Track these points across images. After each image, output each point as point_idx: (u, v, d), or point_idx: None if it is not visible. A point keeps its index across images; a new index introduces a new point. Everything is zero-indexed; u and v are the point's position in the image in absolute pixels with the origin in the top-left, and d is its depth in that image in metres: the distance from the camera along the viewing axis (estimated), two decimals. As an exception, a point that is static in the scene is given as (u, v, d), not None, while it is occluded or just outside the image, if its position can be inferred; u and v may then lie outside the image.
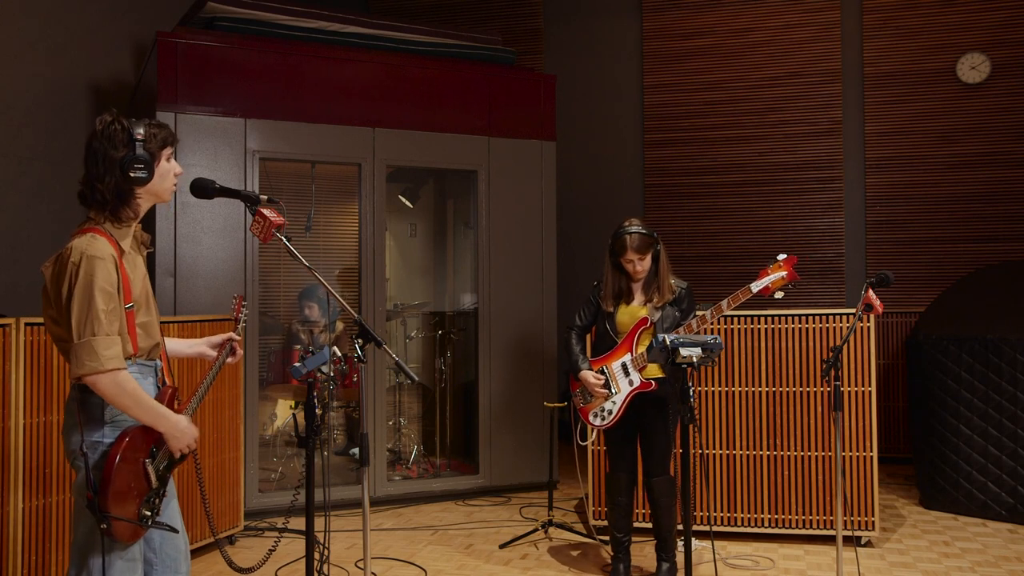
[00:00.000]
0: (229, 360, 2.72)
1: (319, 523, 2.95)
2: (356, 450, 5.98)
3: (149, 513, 2.35)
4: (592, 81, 7.91)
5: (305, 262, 2.61)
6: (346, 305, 2.74)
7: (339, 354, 2.95)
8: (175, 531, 2.46)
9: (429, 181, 6.72)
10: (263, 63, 5.21)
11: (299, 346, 5.71)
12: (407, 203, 6.67)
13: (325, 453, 5.38)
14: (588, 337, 4.14)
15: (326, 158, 5.46)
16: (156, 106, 4.89)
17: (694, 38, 7.62)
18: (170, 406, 2.42)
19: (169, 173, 2.41)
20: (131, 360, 2.31)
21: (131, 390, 2.24)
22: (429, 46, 5.87)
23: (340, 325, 5.91)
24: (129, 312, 2.30)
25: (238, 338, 2.73)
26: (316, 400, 2.76)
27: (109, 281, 2.23)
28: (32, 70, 5.41)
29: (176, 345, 2.74)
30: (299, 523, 4.73)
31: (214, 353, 2.71)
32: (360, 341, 2.69)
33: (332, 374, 2.80)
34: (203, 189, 2.60)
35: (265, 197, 2.60)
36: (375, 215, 5.43)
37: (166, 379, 2.49)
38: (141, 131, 2.32)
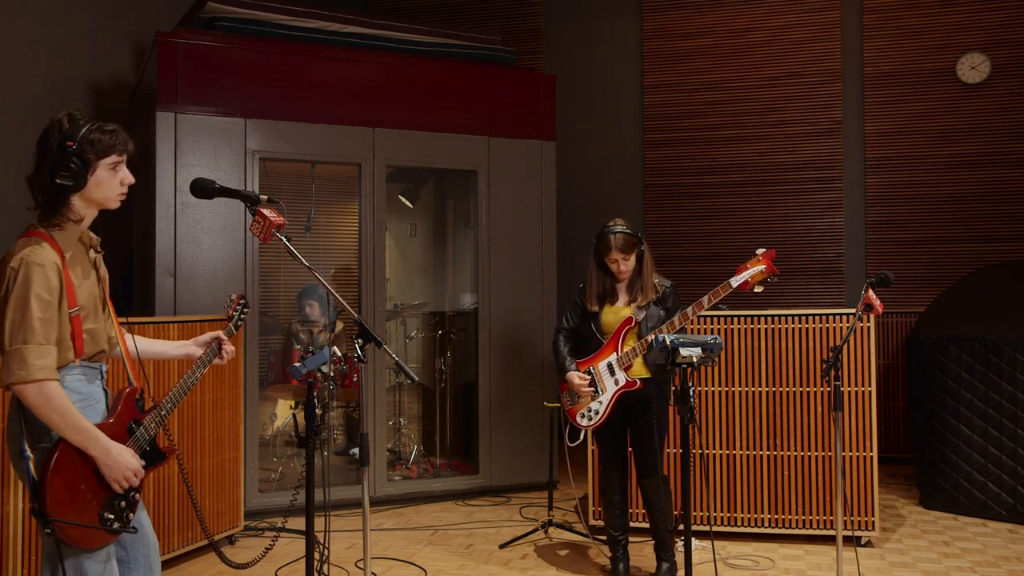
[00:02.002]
0: (216, 361, 2.63)
1: (319, 523, 2.95)
2: (356, 450, 5.98)
3: (112, 517, 2.25)
4: (592, 81, 7.91)
5: (305, 262, 2.60)
6: (346, 305, 2.74)
7: (339, 354, 2.91)
8: (134, 531, 2.34)
9: (429, 181, 6.72)
10: (263, 63, 5.21)
11: (299, 346, 5.71)
12: (407, 203, 6.67)
13: (325, 453, 5.38)
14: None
15: (326, 158, 5.46)
16: (156, 106, 4.89)
17: (694, 38, 7.62)
18: (127, 407, 2.34)
19: (111, 182, 2.29)
20: (74, 363, 2.24)
21: (59, 404, 2.13)
22: (429, 46, 5.87)
23: (340, 324, 5.91)
24: (75, 317, 2.22)
25: (225, 337, 2.66)
26: (316, 400, 2.76)
27: (48, 288, 2.15)
28: (32, 70, 5.41)
29: (160, 347, 2.68)
30: (299, 523, 4.74)
31: (201, 352, 2.64)
32: (360, 341, 2.68)
33: (332, 374, 2.78)
34: (203, 189, 2.60)
35: (265, 197, 2.59)
36: (375, 215, 5.43)
37: (133, 381, 2.41)
38: (77, 133, 2.22)
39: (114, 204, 2.35)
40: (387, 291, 5.84)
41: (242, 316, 2.78)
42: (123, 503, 2.28)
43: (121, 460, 2.22)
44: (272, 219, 2.55)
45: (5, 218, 5.13)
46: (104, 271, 2.44)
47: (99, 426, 2.25)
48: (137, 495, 2.33)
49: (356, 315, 2.73)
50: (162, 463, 2.44)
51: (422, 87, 5.64)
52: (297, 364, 2.76)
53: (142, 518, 2.43)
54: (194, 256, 4.95)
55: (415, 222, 6.89)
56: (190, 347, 2.65)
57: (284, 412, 5.88)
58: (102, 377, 2.38)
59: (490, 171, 5.75)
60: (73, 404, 2.17)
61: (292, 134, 5.24)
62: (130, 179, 2.36)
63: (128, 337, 2.55)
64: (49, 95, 5.53)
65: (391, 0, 8.28)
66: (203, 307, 4.88)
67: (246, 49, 5.19)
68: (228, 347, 2.66)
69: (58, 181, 2.22)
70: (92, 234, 2.40)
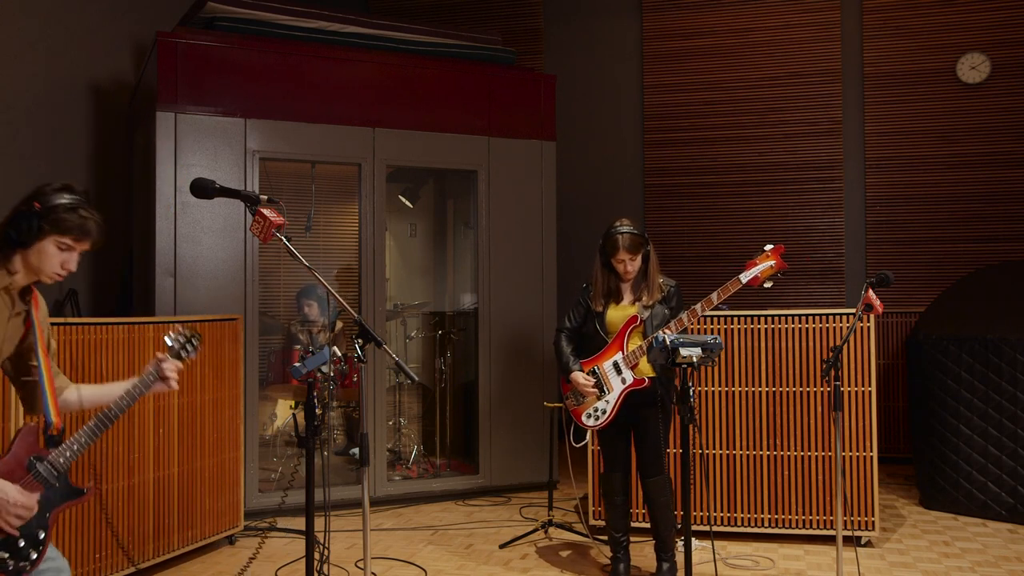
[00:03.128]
0: (163, 385, 2.42)
1: (319, 523, 2.95)
2: (356, 450, 5.98)
3: (7, 555, 2.14)
4: (592, 81, 7.91)
5: (305, 262, 2.60)
6: (346, 305, 2.74)
7: (339, 354, 2.87)
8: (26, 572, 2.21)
9: (429, 181, 6.73)
10: (263, 63, 5.21)
11: (299, 346, 5.72)
12: (407, 203, 6.67)
13: (325, 453, 5.38)
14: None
15: (326, 158, 5.46)
16: (156, 106, 4.89)
17: (694, 38, 7.62)
18: (25, 444, 2.24)
19: (54, 260, 2.26)
20: None
21: None
22: (429, 46, 5.87)
23: (339, 324, 5.91)
24: None
25: (167, 357, 2.44)
26: (316, 400, 2.75)
27: None
28: (32, 70, 5.41)
29: (108, 391, 2.47)
30: (299, 523, 4.73)
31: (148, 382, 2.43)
32: (360, 341, 2.68)
33: (332, 374, 2.77)
34: (203, 189, 2.60)
35: (265, 197, 2.59)
36: (375, 215, 5.43)
37: (52, 416, 2.31)
38: (53, 202, 2.22)
39: (47, 280, 2.30)
40: (387, 291, 5.84)
41: (187, 349, 2.48)
42: (22, 542, 2.19)
43: (3, 498, 2.12)
44: (272, 219, 2.54)
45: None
46: (42, 322, 2.37)
47: None
48: (42, 533, 2.23)
49: (356, 315, 2.73)
50: (77, 500, 2.33)
51: (422, 87, 5.64)
52: (297, 364, 2.75)
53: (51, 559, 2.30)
54: (194, 256, 4.95)
55: (415, 222, 6.89)
56: (134, 381, 2.45)
57: (284, 412, 5.88)
58: None
59: (490, 171, 5.75)
60: None
61: (292, 134, 5.24)
62: (72, 267, 2.30)
63: (72, 390, 2.47)
64: (49, 95, 5.53)
65: (391, 0, 8.29)
66: (203, 307, 4.88)
67: (246, 49, 5.19)
68: (168, 364, 2.42)
69: (7, 229, 2.22)
70: (31, 289, 2.36)
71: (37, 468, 2.26)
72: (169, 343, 2.47)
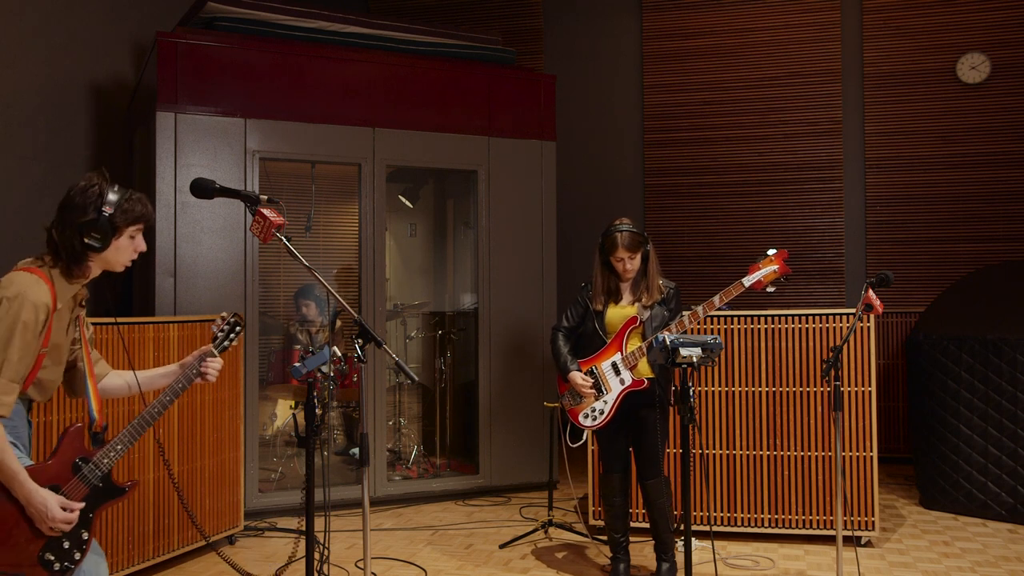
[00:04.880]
0: (203, 379, 2.52)
1: (319, 523, 2.94)
2: (356, 450, 5.98)
3: (53, 558, 2.21)
4: (592, 81, 7.91)
5: (305, 262, 2.60)
6: (346, 305, 2.74)
7: (339, 354, 2.87)
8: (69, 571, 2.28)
9: (429, 181, 6.72)
10: (263, 63, 5.21)
11: (299, 346, 5.72)
12: (407, 203, 6.67)
13: (325, 453, 5.38)
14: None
15: (326, 158, 5.46)
16: (156, 106, 4.89)
17: (694, 38, 7.62)
18: (72, 445, 2.31)
19: (128, 249, 2.37)
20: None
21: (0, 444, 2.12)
22: (429, 46, 5.87)
23: (338, 323, 5.91)
24: (39, 358, 2.25)
25: (215, 350, 2.55)
26: (316, 400, 2.75)
27: (35, 329, 2.18)
28: (32, 70, 5.41)
29: (152, 381, 2.58)
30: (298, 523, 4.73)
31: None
32: (360, 341, 2.68)
33: (332, 374, 2.77)
34: (203, 189, 2.60)
35: (265, 197, 2.59)
36: (375, 215, 5.42)
37: (95, 415, 2.38)
38: (113, 200, 2.29)
39: (120, 269, 2.41)
40: (387, 291, 5.84)
41: (230, 338, 2.60)
42: (66, 543, 2.24)
43: (46, 511, 2.18)
44: (272, 219, 2.54)
45: (5, 218, 5.13)
46: (88, 329, 2.46)
47: (39, 466, 2.24)
48: (85, 533, 2.28)
49: (356, 315, 2.73)
50: (118, 499, 2.39)
51: (422, 87, 5.64)
52: (297, 364, 2.75)
53: (89, 565, 2.35)
54: (194, 256, 4.95)
55: (415, 222, 6.89)
56: (177, 371, 2.56)
57: (284, 412, 5.87)
58: (29, 408, 2.37)
59: (490, 171, 5.75)
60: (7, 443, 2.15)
61: (292, 134, 5.24)
62: (143, 247, 2.42)
63: (112, 372, 2.55)
64: (49, 95, 5.53)
65: (391, 0, 8.28)
66: (203, 307, 4.88)
67: (246, 49, 5.19)
68: (215, 362, 2.53)
69: (87, 241, 2.27)
70: (85, 290, 2.44)
71: (83, 471, 2.32)
72: (215, 332, 2.59)
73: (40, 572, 2.19)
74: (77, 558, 2.27)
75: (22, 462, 2.20)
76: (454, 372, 6.14)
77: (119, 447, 2.37)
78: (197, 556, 4.30)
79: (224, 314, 2.64)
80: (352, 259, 5.79)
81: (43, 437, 3.42)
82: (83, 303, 2.45)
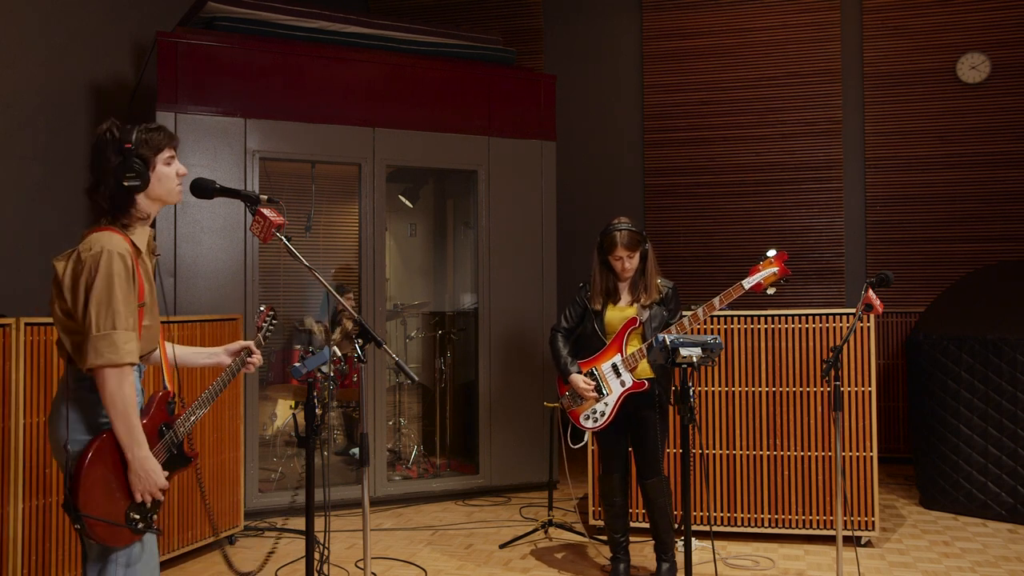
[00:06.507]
0: (245, 370, 2.65)
1: (319, 523, 2.95)
2: (356, 450, 5.98)
3: (138, 517, 2.29)
4: (592, 81, 7.91)
5: (305, 262, 2.61)
6: (346, 305, 2.75)
7: (339, 354, 2.90)
8: (159, 532, 2.41)
9: (429, 181, 6.73)
10: (263, 63, 5.21)
11: (299, 346, 5.72)
12: (407, 203, 6.67)
13: (325, 453, 5.38)
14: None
15: (326, 158, 5.46)
16: (156, 106, 4.89)
17: (693, 38, 7.62)
18: (160, 411, 2.38)
19: (169, 175, 2.39)
20: None
21: (128, 392, 2.20)
22: (429, 46, 5.87)
23: (349, 324, 5.90)
24: (140, 310, 2.28)
25: (254, 347, 2.65)
26: (316, 400, 2.76)
27: (127, 277, 2.22)
28: (32, 70, 5.41)
29: (193, 357, 2.67)
30: (299, 523, 4.74)
31: (230, 360, 2.65)
32: (360, 341, 2.68)
33: (332, 374, 2.78)
34: (203, 189, 2.60)
35: (265, 197, 2.59)
36: (375, 215, 5.43)
37: (167, 384, 2.45)
38: (132, 138, 2.32)
39: (175, 198, 2.44)
40: (387, 291, 5.84)
41: (271, 328, 2.76)
42: (149, 504, 2.33)
43: (150, 474, 2.27)
44: (272, 219, 2.55)
45: (5, 218, 5.13)
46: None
47: None
48: (161, 495, 2.38)
49: (356, 315, 2.74)
50: (186, 467, 2.47)
51: (422, 87, 5.64)
52: (297, 364, 2.76)
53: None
54: (194, 256, 4.95)
55: (415, 222, 6.90)
56: (221, 355, 2.66)
57: (284, 412, 5.88)
58: (140, 376, 2.41)
59: (490, 171, 5.75)
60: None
61: (292, 134, 5.24)
62: (183, 170, 2.44)
63: (167, 344, 2.59)
64: (49, 95, 5.53)
65: (391, 0, 8.28)
66: (203, 307, 4.89)
67: (246, 49, 5.19)
68: (256, 357, 2.66)
69: (125, 183, 2.29)
70: (154, 241, 2.47)
71: (166, 436, 2.41)
72: (260, 324, 2.71)
73: (123, 529, 2.26)
74: (155, 519, 2.35)
75: None
76: (454, 372, 6.14)
77: (192, 418, 2.46)
78: (198, 556, 4.30)
79: (263, 308, 2.78)
80: (352, 259, 5.79)
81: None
82: (155, 251, 2.48)
